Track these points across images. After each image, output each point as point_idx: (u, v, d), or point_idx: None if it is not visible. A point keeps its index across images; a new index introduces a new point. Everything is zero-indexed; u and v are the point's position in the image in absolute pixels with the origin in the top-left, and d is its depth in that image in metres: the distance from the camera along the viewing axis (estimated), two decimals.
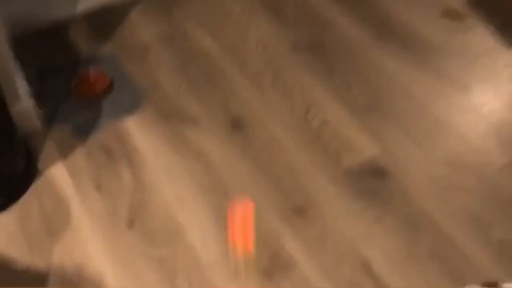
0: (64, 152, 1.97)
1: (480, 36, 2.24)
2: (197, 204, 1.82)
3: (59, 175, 1.91)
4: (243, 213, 1.54)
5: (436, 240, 1.70)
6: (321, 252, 1.70)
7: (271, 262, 1.69)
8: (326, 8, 2.42)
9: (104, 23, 2.44)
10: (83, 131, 2.03)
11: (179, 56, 2.28)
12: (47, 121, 2.06)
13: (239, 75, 2.19)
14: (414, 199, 1.79)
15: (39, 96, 2.11)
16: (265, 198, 1.82)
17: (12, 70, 1.93)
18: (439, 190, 1.81)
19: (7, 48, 1.98)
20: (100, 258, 1.72)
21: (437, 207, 1.77)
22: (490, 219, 1.73)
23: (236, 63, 2.23)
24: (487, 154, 1.87)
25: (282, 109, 2.06)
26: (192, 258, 1.71)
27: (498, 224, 1.72)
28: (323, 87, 2.12)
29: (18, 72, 2.05)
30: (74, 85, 2.13)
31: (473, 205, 1.76)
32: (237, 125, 2.02)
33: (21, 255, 1.74)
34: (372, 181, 1.84)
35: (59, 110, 2.10)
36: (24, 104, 1.98)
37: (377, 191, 1.82)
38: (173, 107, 2.10)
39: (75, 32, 2.40)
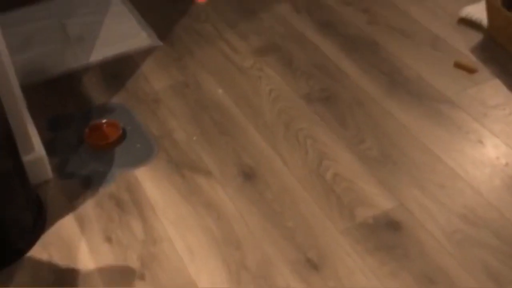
0: (74, 202, 1.96)
1: (492, 90, 2.24)
2: (209, 257, 1.79)
3: (68, 226, 1.89)
4: None
5: None
6: None
7: None
8: (337, 59, 2.43)
9: (116, 73, 2.45)
10: (94, 181, 2.02)
11: (191, 107, 2.28)
12: (58, 170, 2.05)
13: (251, 126, 2.18)
14: (430, 253, 1.75)
15: (50, 145, 2.11)
16: (277, 252, 1.78)
17: (25, 119, 1.93)
18: (455, 245, 1.77)
19: (20, 97, 1.99)
20: None
21: (454, 262, 1.73)
22: (509, 276, 1.69)
23: (248, 114, 2.23)
24: (503, 209, 1.84)
25: (295, 161, 2.04)
26: None
27: None
28: (335, 139, 2.11)
29: (31, 121, 2.06)
30: (86, 134, 2.13)
31: (491, 261, 1.72)
32: (249, 176, 2.00)
33: None
34: (386, 235, 1.80)
35: (70, 159, 2.09)
36: (36, 153, 1.98)
37: (392, 245, 1.78)
38: (185, 157, 2.08)
39: (88, 82, 2.41)
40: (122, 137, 2.14)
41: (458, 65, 2.35)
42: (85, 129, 2.14)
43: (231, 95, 2.32)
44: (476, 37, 2.48)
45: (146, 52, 2.54)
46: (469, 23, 2.54)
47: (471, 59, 2.38)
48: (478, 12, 2.54)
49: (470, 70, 2.32)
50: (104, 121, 2.18)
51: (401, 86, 2.29)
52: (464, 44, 2.45)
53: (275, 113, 2.23)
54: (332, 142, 2.10)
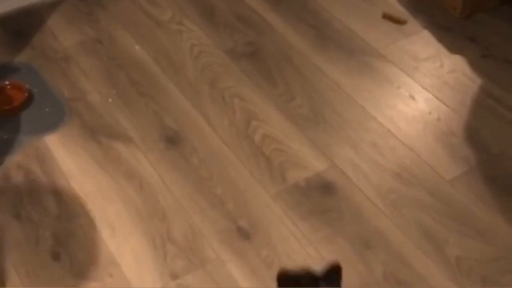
0: None
1: (422, 41, 2.17)
2: (131, 231, 1.64)
3: None
4: None
5: (390, 261, 1.60)
6: (269, 277, 1.56)
7: None
8: (262, 11, 2.28)
9: (20, 28, 2.21)
10: None
11: (106, 65, 2.09)
12: None
13: (172, 85, 2.02)
14: (365, 216, 1.68)
15: None
16: (205, 221, 1.66)
17: None
18: (390, 206, 1.70)
19: None
20: None
21: (389, 223, 1.67)
22: (444, 235, 1.64)
23: (169, 72, 2.06)
24: (437, 166, 1.79)
25: (221, 122, 1.90)
26: None
27: (454, 240, 1.63)
28: (263, 97, 1.98)
29: None
30: None
31: (426, 220, 1.67)
32: (172, 141, 1.85)
33: None
34: (319, 198, 1.71)
35: None
36: None
37: (325, 209, 1.69)
38: (101, 122, 1.90)
39: None
40: (29, 100, 1.93)
41: (387, 16, 2.26)
42: None
43: (149, 52, 2.14)
44: None
45: (52, 5, 2.30)
46: None
47: (399, 10, 2.29)
48: None
49: (399, 22, 2.24)
50: (7, 82, 1.95)
51: (330, 40, 2.18)
52: None
53: (199, 70, 2.08)
54: (260, 100, 1.97)
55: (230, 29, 2.22)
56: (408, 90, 2.00)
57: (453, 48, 2.13)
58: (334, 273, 1.35)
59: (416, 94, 1.99)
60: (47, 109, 1.92)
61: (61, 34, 2.19)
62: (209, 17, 2.26)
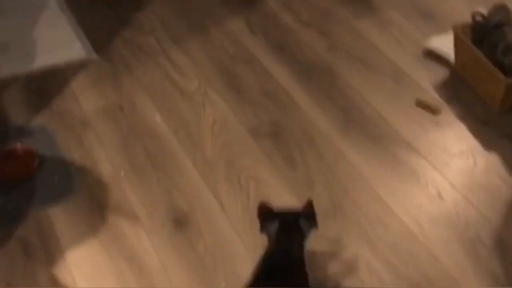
0: None
1: (456, 135, 2.05)
2: None
3: None
4: None
5: None
6: None
7: None
8: (290, 88, 2.20)
9: (42, 88, 2.18)
10: (0, 220, 1.75)
11: (123, 134, 2.02)
12: None
13: (189, 161, 1.94)
14: None
15: None
16: None
17: None
18: None
19: None
20: None
21: None
22: None
23: (187, 147, 1.98)
24: (462, 279, 1.64)
25: (234, 207, 1.80)
26: None
27: None
28: (281, 182, 1.88)
29: None
30: None
31: None
32: (180, 223, 1.76)
33: None
34: None
35: None
36: None
37: None
38: (109, 196, 1.83)
39: (8, 97, 2.13)
40: (38, 167, 1.87)
41: (421, 104, 2.15)
42: None
43: (169, 123, 2.07)
44: (441, 73, 2.28)
45: (78, 66, 2.27)
46: (435, 56, 2.34)
47: (435, 98, 2.18)
48: (446, 44, 2.34)
49: (433, 111, 2.13)
50: (18, 146, 1.90)
51: (356, 124, 2.07)
52: (428, 80, 2.25)
53: (218, 147, 1.99)
54: (277, 185, 1.87)
55: (255, 105, 2.14)
56: (436, 188, 1.87)
57: (488, 145, 2.00)
58: (310, 207, 1.57)
59: (444, 193, 1.86)
60: (56, 178, 1.85)
61: (83, 96, 2.14)
62: (236, 90, 2.19)
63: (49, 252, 1.67)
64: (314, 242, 1.65)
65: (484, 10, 2.37)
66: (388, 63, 2.32)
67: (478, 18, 2.23)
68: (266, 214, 1.55)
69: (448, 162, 1.94)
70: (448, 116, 2.10)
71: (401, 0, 2.61)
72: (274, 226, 1.52)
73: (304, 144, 2.00)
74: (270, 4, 2.59)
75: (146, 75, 2.24)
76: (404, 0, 2.61)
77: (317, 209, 1.78)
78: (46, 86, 2.18)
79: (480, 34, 2.20)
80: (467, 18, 2.25)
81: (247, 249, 1.69)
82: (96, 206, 1.80)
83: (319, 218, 1.56)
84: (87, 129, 2.03)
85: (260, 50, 2.37)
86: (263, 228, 1.55)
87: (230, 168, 1.92)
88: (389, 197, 1.84)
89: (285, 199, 1.82)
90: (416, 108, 2.13)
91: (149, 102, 2.14)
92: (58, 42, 2.35)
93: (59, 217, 1.77)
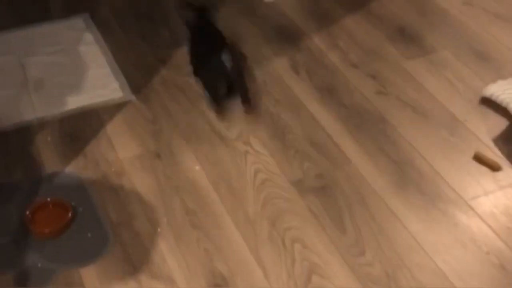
0: None
1: None
2: None
3: None
4: None
5: None
6: None
7: None
8: (339, 137, 2.06)
9: (77, 132, 2.07)
10: (30, 280, 1.64)
11: (161, 185, 1.90)
12: None
13: (229, 218, 1.81)
14: None
15: None
16: None
17: None
18: None
19: None
20: None
21: None
22: None
23: (227, 201, 1.86)
24: None
25: (278, 273, 1.67)
26: None
27: None
28: (329, 246, 1.73)
29: None
30: (27, 217, 1.75)
31: None
32: None
33: None
34: None
35: (5, 248, 1.70)
36: None
37: None
38: (145, 256, 1.70)
39: (42, 141, 2.03)
40: (71, 221, 1.77)
41: (479, 159, 1.99)
42: (26, 210, 1.76)
43: (209, 174, 1.95)
44: (500, 123, 2.12)
45: (115, 108, 2.16)
46: (493, 104, 2.18)
47: (494, 151, 2.02)
48: (505, 92, 2.19)
49: (493, 167, 1.97)
50: (49, 199, 1.79)
51: (412, 181, 1.92)
52: (486, 131, 2.09)
53: (260, 203, 1.86)
54: (325, 249, 1.73)
55: (301, 155, 2.00)
56: (499, 258, 1.71)
57: None
58: None
59: (508, 264, 1.70)
60: (89, 234, 1.74)
61: (119, 143, 2.03)
62: (280, 139, 2.06)
63: None
64: None
65: None
66: (442, 110, 2.17)
67: None
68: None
69: (510, 227, 1.79)
70: (509, 174, 1.94)
71: (456, 40, 2.46)
72: None
73: (354, 202, 1.86)
74: (315, 42, 2.46)
75: (185, 119, 2.13)
76: (459, 40, 2.46)
77: (368, 279, 1.64)
78: (80, 129, 2.08)
79: None
80: None
81: None
82: (131, 267, 1.68)
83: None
84: (123, 179, 1.91)
85: (305, 92, 2.24)
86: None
87: (274, 228, 1.79)
88: (447, 266, 1.68)
89: (334, 267, 1.68)
90: (474, 164, 1.98)
91: (189, 150, 2.02)
92: (94, 80, 2.25)
93: (91, 277, 1.65)
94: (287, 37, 2.49)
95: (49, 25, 2.51)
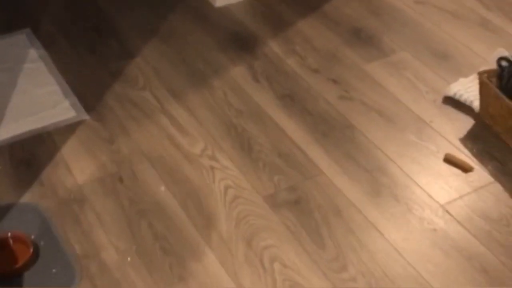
0: None
1: (492, 197, 1.87)
2: None
3: None
4: None
5: None
6: None
7: None
8: (306, 146, 1.99)
9: (30, 157, 1.93)
10: None
11: (125, 210, 1.79)
12: None
13: (203, 241, 1.71)
14: None
15: None
16: None
17: None
18: None
19: None
20: None
21: None
22: None
23: (198, 222, 1.76)
24: None
25: None
26: None
27: None
28: (309, 263, 1.67)
29: None
30: None
31: None
32: None
33: None
34: None
35: None
36: None
37: None
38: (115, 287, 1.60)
39: None
40: (34, 257, 1.63)
41: (450, 161, 1.97)
42: None
43: (176, 194, 1.84)
44: (466, 123, 2.11)
45: (68, 129, 2.02)
46: (457, 103, 2.17)
47: (463, 151, 2.00)
48: (468, 90, 2.18)
49: (465, 168, 1.95)
50: (9, 234, 1.66)
51: (385, 188, 1.88)
52: (453, 132, 2.07)
53: (233, 221, 1.77)
54: (306, 267, 1.66)
55: (270, 168, 1.93)
56: (481, 262, 1.68)
57: None
58: None
59: (490, 268, 1.67)
60: (53, 270, 1.61)
61: (76, 166, 1.90)
62: (247, 151, 1.98)
63: None
64: None
65: (504, 51, 2.22)
66: (407, 113, 2.14)
67: (504, 64, 2.07)
68: None
69: (490, 231, 1.76)
70: (481, 174, 1.93)
71: (413, 40, 2.44)
72: None
73: (330, 215, 1.80)
74: (272, 48, 2.39)
75: (144, 136, 2.01)
76: (417, 40, 2.44)
77: None
78: (33, 154, 1.93)
79: (507, 81, 2.04)
80: (484, 59, 2.08)
81: None
82: None
83: None
84: (84, 206, 1.79)
85: (267, 101, 2.16)
86: None
87: (250, 247, 1.71)
88: (431, 276, 1.65)
89: (317, 285, 1.62)
90: (445, 166, 1.96)
91: (151, 169, 1.91)
92: (43, 100, 2.10)
93: None
94: (242, 44, 2.41)
95: None
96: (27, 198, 1.80)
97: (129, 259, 1.66)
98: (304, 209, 1.81)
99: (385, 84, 2.25)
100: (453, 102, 2.18)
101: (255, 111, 2.13)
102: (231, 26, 2.50)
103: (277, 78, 2.26)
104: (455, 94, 2.18)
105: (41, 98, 2.12)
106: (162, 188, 1.86)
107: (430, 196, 1.86)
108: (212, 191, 1.86)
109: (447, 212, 1.81)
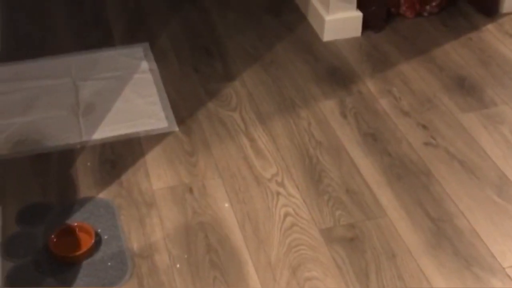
0: None
1: None
2: None
3: None
4: None
5: None
6: None
7: None
8: (377, 187, 1.98)
9: (117, 159, 2.10)
10: None
11: (187, 220, 1.89)
12: (7, 280, 1.70)
13: (251, 262, 1.77)
14: None
15: (9, 244, 1.78)
16: None
17: None
18: None
19: None
20: None
21: None
22: None
23: (251, 243, 1.82)
24: None
25: None
26: None
27: None
28: None
29: None
30: (51, 241, 1.77)
31: None
32: None
33: None
34: None
35: (26, 268, 1.73)
36: None
37: None
38: None
39: (81, 165, 2.08)
40: (94, 247, 1.78)
41: None
42: (52, 233, 1.79)
43: (238, 213, 1.92)
44: None
45: (157, 137, 2.18)
46: None
47: None
48: None
49: None
50: (77, 224, 1.82)
51: (447, 241, 1.82)
52: None
53: (285, 248, 1.81)
54: None
55: (334, 202, 1.94)
56: None
57: None
58: None
59: None
60: (109, 263, 1.75)
61: (155, 173, 2.04)
62: (315, 183, 2.01)
63: None
64: None
65: None
66: (493, 168, 2.05)
67: None
68: None
69: None
70: None
71: None
72: None
73: (382, 257, 1.78)
74: (368, 86, 2.40)
75: (223, 154, 2.11)
76: None
77: None
78: (120, 156, 2.11)
79: None
80: None
81: None
82: None
83: None
84: (152, 210, 1.92)
85: (349, 137, 2.18)
86: None
87: (294, 276, 1.73)
88: None
89: None
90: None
91: (221, 185, 2.00)
92: (142, 108, 2.29)
93: None
94: (339, 78, 2.44)
95: (109, 51, 2.58)
96: (104, 194, 1.97)
97: (178, 265, 1.76)
98: (358, 248, 1.81)
99: (475, 135, 2.17)
100: None
101: (334, 145, 2.15)
102: (332, 61, 2.54)
103: (365, 116, 2.27)
104: None
105: (140, 107, 2.30)
106: (226, 204, 1.94)
107: (494, 257, 1.77)
108: (272, 215, 1.91)
109: (508, 276, 1.71)
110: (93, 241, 1.77)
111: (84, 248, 1.76)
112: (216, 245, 1.82)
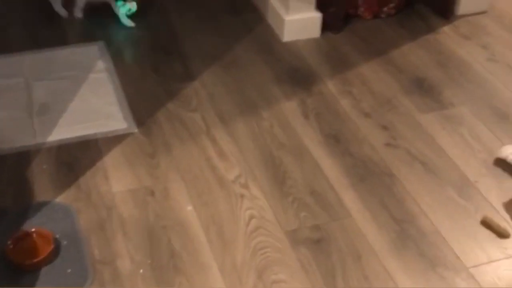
0: None
1: None
2: None
3: None
4: None
5: None
6: None
7: None
8: (341, 188, 1.97)
9: (73, 161, 2.03)
10: None
11: (150, 224, 1.84)
12: None
13: (215, 265, 1.73)
14: None
15: None
16: None
17: None
18: None
19: None
20: None
21: None
22: None
23: (216, 246, 1.78)
24: None
25: None
26: None
27: None
28: None
29: None
30: (7, 247, 1.70)
31: None
32: None
33: None
34: None
35: None
36: None
37: None
38: None
39: (37, 168, 2.00)
40: (53, 254, 1.71)
41: (487, 224, 1.88)
42: (8, 239, 1.71)
43: (201, 216, 1.88)
44: None
45: (115, 139, 2.12)
46: (508, 167, 2.08)
47: (503, 217, 1.91)
48: None
49: (501, 234, 1.86)
50: (33, 229, 1.75)
51: (411, 241, 1.83)
52: (497, 195, 1.98)
53: (250, 251, 1.78)
54: None
55: (299, 204, 1.93)
56: None
57: None
58: None
59: None
60: (69, 270, 1.68)
61: (114, 176, 1.98)
62: (279, 184, 1.99)
63: None
64: None
65: None
66: (453, 168, 2.07)
67: None
68: None
69: None
70: None
71: (476, 96, 2.37)
72: None
73: (348, 259, 1.77)
74: (328, 87, 2.40)
75: (185, 156, 2.07)
76: (480, 97, 2.37)
77: None
78: (78, 159, 2.04)
79: None
80: None
81: None
82: None
83: None
84: (112, 214, 1.86)
85: (311, 138, 2.17)
86: None
87: (260, 279, 1.70)
88: None
89: None
90: (481, 228, 1.87)
91: (183, 188, 1.96)
92: (99, 109, 2.22)
93: None
94: (300, 79, 2.43)
95: (64, 50, 2.51)
96: (62, 198, 1.90)
97: (141, 271, 1.71)
98: (323, 250, 1.79)
99: (435, 136, 2.19)
100: (504, 164, 2.09)
101: (297, 146, 2.14)
102: (292, 61, 2.53)
103: (327, 117, 2.27)
104: (507, 156, 2.08)
105: (97, 108, 2.23)
106: (189, 207, 1.90)
107: (457, 257, 1.78)
108: (236, 218, 1.88)
109: (472, 275, 1.73)
110: (51, 247, 1.71)
111: (42, 255, 1.69)
112: (180, 249, 1.77)
